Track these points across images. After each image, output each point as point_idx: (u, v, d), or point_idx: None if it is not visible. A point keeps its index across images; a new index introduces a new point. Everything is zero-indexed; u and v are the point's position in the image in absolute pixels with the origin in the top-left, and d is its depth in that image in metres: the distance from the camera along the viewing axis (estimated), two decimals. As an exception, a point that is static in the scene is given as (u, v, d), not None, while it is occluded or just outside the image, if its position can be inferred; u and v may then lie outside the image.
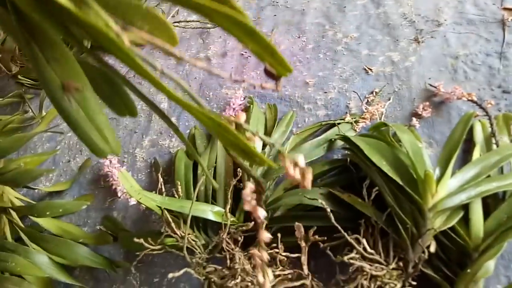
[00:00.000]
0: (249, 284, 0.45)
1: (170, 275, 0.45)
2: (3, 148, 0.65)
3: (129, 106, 0.27)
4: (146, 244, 0.53)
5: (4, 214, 0.65)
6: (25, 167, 0.68)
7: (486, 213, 0.47)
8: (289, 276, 0.47)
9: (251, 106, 0.69)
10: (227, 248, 0.49)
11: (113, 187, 0.69)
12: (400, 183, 0.45)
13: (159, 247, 0.55)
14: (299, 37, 0.83)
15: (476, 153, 0.52)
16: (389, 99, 0.69)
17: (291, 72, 0.31)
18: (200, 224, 0.58)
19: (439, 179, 0.45)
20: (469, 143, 0.59)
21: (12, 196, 0.69)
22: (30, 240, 0.62)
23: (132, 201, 0.66)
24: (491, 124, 0.56)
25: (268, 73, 0.28)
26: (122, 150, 0.76)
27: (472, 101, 0.62)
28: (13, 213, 0.66)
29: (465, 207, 0.46)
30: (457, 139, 0.50)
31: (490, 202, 0.49)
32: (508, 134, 0.57)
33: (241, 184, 0.59)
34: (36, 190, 0.75)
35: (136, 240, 0.53)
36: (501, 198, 0.49)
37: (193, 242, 0.54)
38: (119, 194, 0.68)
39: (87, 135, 0.23)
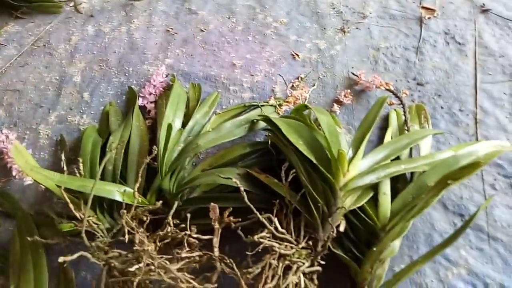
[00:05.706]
0: (153, 267, 0.42)
1: (61, 259, 0.40)
2: None
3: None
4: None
5: None
6: None
7: (396, 195, 0.48)
8: (197, 258, 0.44)
9: (173, 84, 0.65)
10: (129, 229, 0.45)
11: (8, 165, 0.61)
12: (314, 161, 0.44)
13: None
14: (229, 18, 0.80)
15: (388, 137, 0.54)
16: (314, 85, 0.69)
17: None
18: (105, 206, 0.52)
19: (351, 160, 0.45)
20: (385, 131, 0.61)
21: None
22: None
23: (28, 181, 0.59)
24: (405, 112, 0.59)
25: None
26: (24, 126, 0.68)
27: (389, 90, 0.64)
28: None
29: (375, 189, 0.47)
30: (371, 120, 0.51)
31: (400, 186, 0.51)
32: (419, 123, 0.60)
33: (155, 163, 0.55)
34: None
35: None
36: (409, 180, 0.51)
37: (95, 226, 0.48)
38: (14, 173, 0.60)
39: None
